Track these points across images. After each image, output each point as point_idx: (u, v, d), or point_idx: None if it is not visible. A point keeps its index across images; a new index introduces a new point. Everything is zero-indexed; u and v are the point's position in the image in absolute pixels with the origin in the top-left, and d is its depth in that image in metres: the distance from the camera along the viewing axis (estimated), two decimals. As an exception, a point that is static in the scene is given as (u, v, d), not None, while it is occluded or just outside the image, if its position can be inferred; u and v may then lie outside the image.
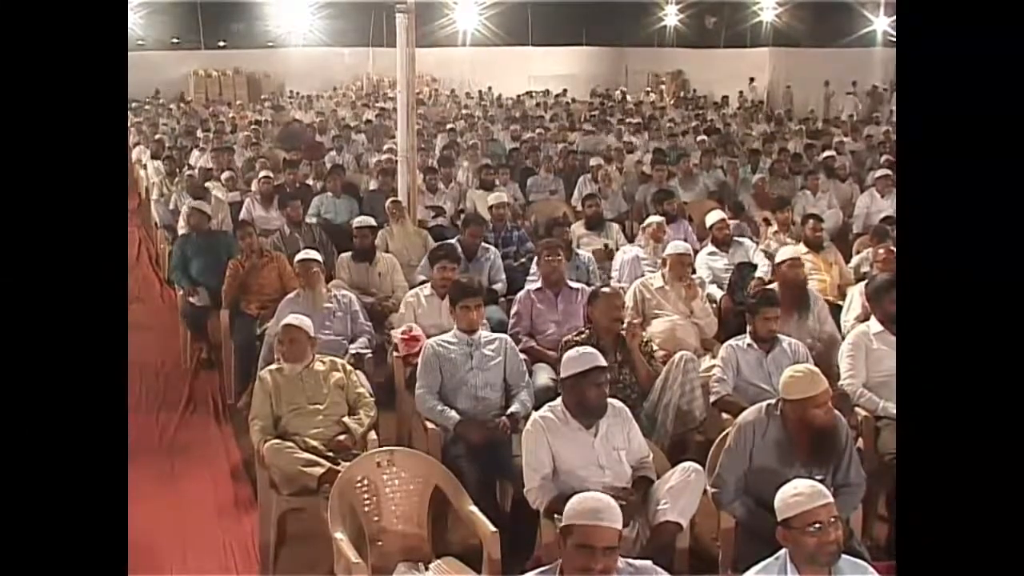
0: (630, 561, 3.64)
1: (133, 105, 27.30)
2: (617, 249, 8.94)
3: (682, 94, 33.19)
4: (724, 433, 5.13)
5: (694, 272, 7.82)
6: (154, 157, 15.29)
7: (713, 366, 6.10)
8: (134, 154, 17.84)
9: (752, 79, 31.70)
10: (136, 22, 33.02)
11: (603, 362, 4.85)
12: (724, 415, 5.73)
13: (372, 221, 8.69)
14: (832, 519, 3.57)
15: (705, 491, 4.77)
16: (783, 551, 3.61)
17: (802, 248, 8.29)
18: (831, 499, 3.63)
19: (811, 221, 8.66)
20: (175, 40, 35.85)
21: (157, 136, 18.05)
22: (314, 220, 10.29)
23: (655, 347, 6.23)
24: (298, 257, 7.27)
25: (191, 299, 8.54)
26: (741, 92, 30.63)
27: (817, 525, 3.55)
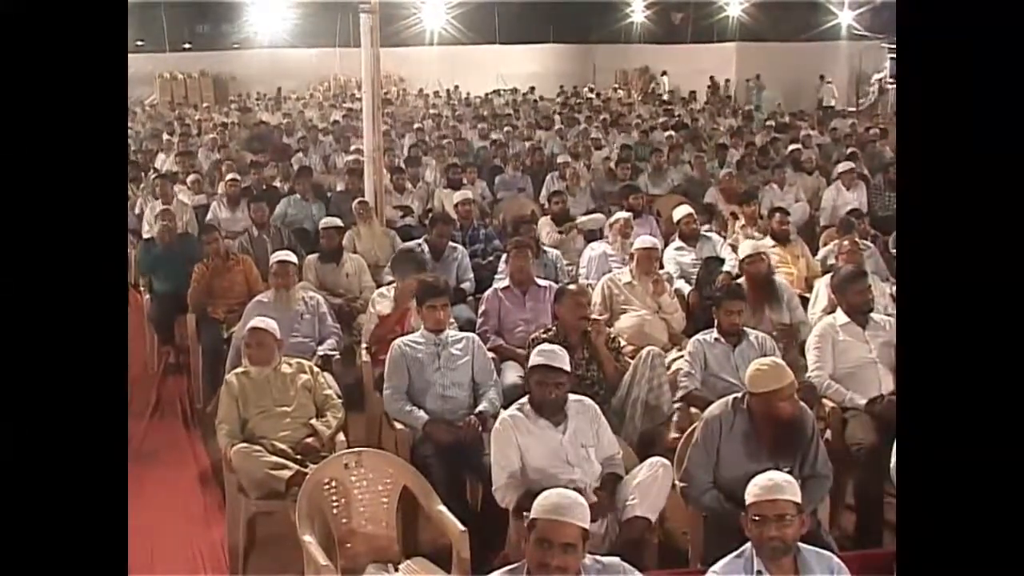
0: (598, 558, 3.64)
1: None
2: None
3: (651, 89, 33.23)
4: (692, 428, 5.14)
5: (662, 267, 7.83)
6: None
7: (680, 359, 6.11)
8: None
9: (712, 79, 31.82)
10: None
11: (565, 364, 4.86)
12: (692, 409, 5.75)
13: (338, 222, 8.67)
14: (778, 515, 3.59)
15: (674, 486, 4.78)
16: (748, 545, 3.64)
17: (768, 241, 8.34)
18: (785, 494, 3.65)
19: (777, 215, 8.71)
20: (139, 42, 35.58)
21: (122, 140, 17.90)
22: (281, 222, 10.23)
23: (623, 343, 6.24)
24: (275, 258, 7.23)
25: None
26: (708, 86, 30.73)
27: (757, 517, 3.60)
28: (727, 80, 31.16)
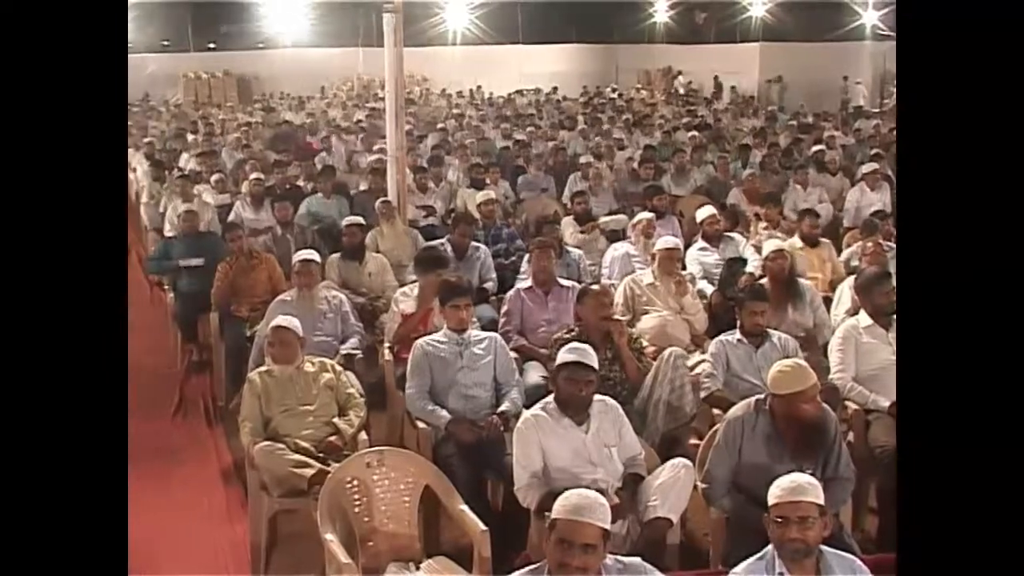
0: (619, 558, 3.63)
1: (123, 108, 27.23)
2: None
3: (674, 90, 33.17)
4: (714, 429, 5.13)
5: (684, 268, 7.82)
6: (146, 158, 15.30)
7: (703, 361, 6.10)
8: (124, 157, 17.84)
9: (716, 80, 31.79)
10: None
11: (594, 363, 4.85)
12: (714, 410, 5.73)
13: (360, 220, 8.69)
14: (800, 517, 3.57)
15: (695, 487, 4.77)
16: (770, 547, 3.63)
17: (797, 243, 8.32)
18: (808, 496, 3.63)
19: (807, 218, 8.65)
20: (165, 43, 35.79)
21: (147, 139, 17.98)
22: (306, 222, 10.27)
23: (645, 343, 6.23)
24: (298, 257, 7.24)
25: (181, 262, 8.75)
26: (733, 87, 30.67)
27: (779, 519, 3.59)
28: (732, 87, 31.07)
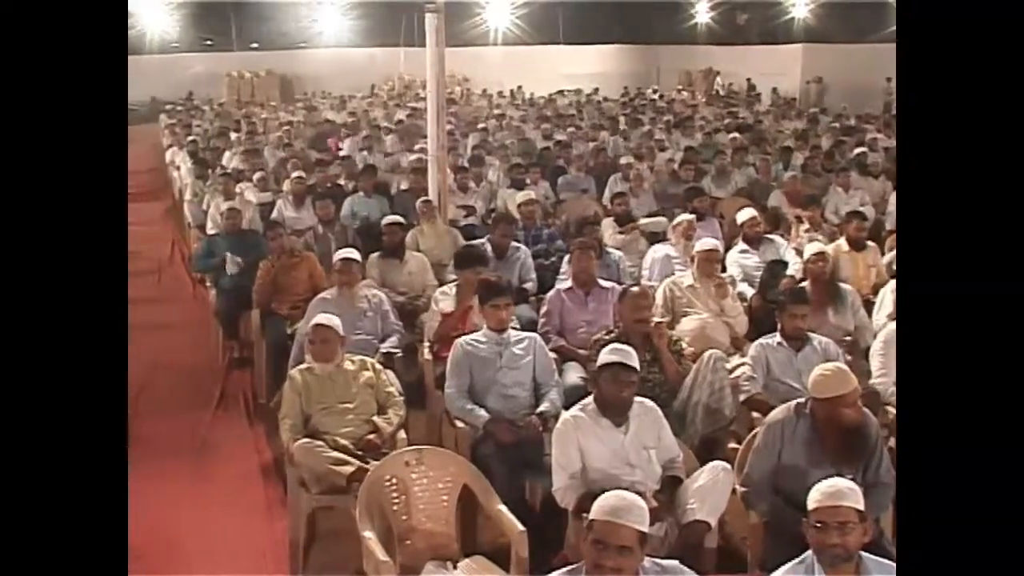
0: (657, 560, 3.63)
1: (167, 107, 27.61)
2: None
3: (714, 91, 33.06)
4: (753, 432, 5.11)
5: (724, 270, 7.79)
6: (190, 156, 15.46)
7: (743, 364, 6.07)
8: (167, 155, 18.05)
9: (748, 81, 31.64)
10: (170, 24, 33.37)
11: (634, 363, 4.85)
12: (754, 414, 5.71)
13: (400, 219, 8.72)
14: (840, 522, 3.55)
15: (734, 490, 4.76)
16: (810, 552, 3.61)
17: (843, 247, 8.25)
18: (848, 501, 3.60)
19: (854, 220, 8.53)
20: (208, 42, 36.14)
21: (191, 137, 18.17)
22: (350, 221, 10.33)
23: (684, 345, 6.21)
24: (339, 255, 7.26)
25: (229, 270, 8.82)
26: (774, 89, 30.51)
27: (819, 524, 3.56)
28: (773, 88, 30.90)
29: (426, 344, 6.85)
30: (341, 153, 15.80)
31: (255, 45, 36.50)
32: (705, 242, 7.44)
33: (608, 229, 9.32)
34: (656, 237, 9.27)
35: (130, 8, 32.11)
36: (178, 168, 15.92)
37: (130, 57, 33.10)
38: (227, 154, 15.89)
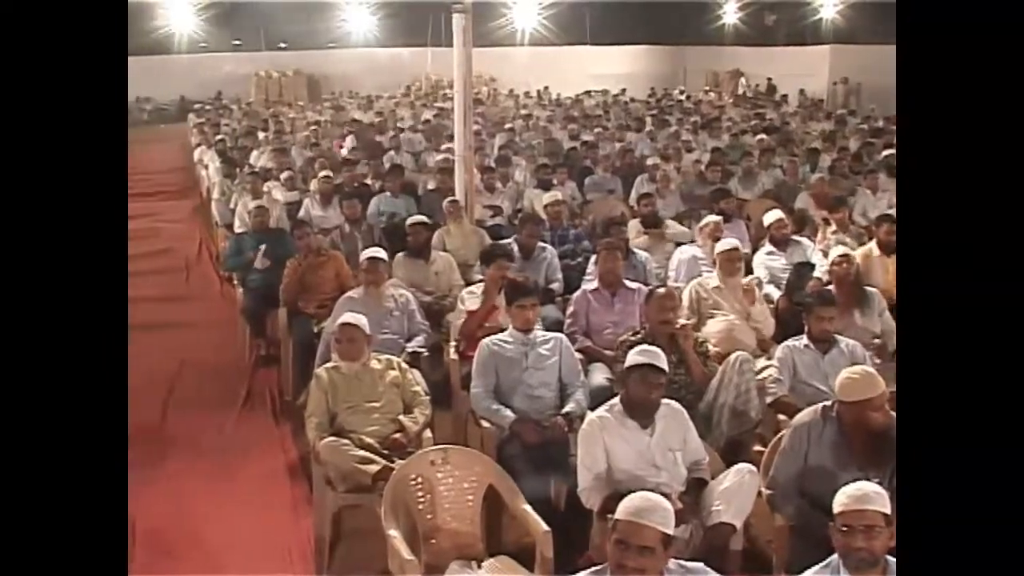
0: (682, 563, 3.63)
1: (196, 106, 27.77)
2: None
3: (740, 92, 32.95)
4: (779, 435, 5.09)
5: (750, 272, 7.76)
6: (218, 155, 15.55)
7: (769, 366, 6.06)
8: (196, 154, 18.17)
9: (769, 81, 31.49)
10: (199, 24, 33.56)
11: (663, 364, 4.85)
12: (780, 416, 5.69)
13: (424, 219, 8.74)
14: (866, 525, 3.53)
15: (760, 493, 4.74)
16: (835, 555, 3.59)
17: (874, 250, 8.20)
18: (875, 504, 3.58)
19: (885, 224, 8.43)
20: (237, 42, 36.31)
21: (219, 136, 18.29)
22: (377, 221, 10.36)
23: (711, 347, 6.20)
24: (365, 255, 7.28)
25: (257, 267, 8.84)
26: (802, 90, 30.38)
27: (845, 528, 3.55)
28: (801, 90, 30.74)
29: (452, 344, 6.86)
30: (343, 154, 15.81)
31: (283, 45, 36.66)
32: (726, 242, 7.41)
33: (635, 230, 9.31)
34: (682, 239, 9.26)
35: (160, 9, 32.40)
36: (206, 167, 16.02)
37: (159, 57, 33.53)
38: (255, 153, 15.97)
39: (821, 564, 3.62)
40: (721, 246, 7.34)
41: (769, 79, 32.62)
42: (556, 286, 8.11)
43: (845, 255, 7.16)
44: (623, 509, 3.49)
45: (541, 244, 8.39)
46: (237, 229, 10.77)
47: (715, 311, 7.07)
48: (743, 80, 34.25)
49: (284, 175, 12.79)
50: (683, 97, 30.05)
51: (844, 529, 3.56)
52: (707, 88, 34.67)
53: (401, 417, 5.59)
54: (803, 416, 4.82)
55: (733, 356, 5.84)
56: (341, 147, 16.97)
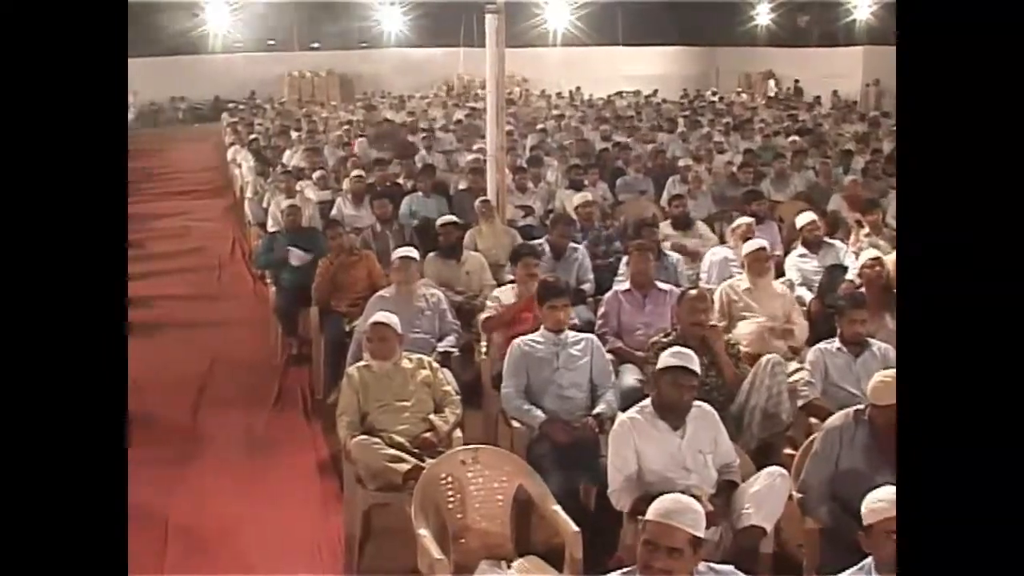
0: (712, 565, 3.62)
1: (230, 106, 27.97)
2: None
3: (773, 93, 32.82)
4: (811, 438, 5.07)
5: (781, 274, 7.73)
6: (252, 155, 15.64)
7: (801, 369, 6.03)
8: (229, 153, 18.28)
9: (808, 88, 31.36)
10: (233, 24, 33.78)
11: (695, 366, 4.84)
12: (811, 419, 5.66)
13: (455, 219, 8.76)
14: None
15: (791, 496, 4.72)
16: (869, 559, 3.57)
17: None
18: None
19: None
20: (270, 42, 36.51)
21: (252, 136, 18.39)
22: (408, 220, 10.39)
23: (742, 348, 6.18)
24: (397, 254, 7.31)
25: (293, 263, 8.90)
26: (835, 91, 30.22)
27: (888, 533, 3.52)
28: (834, 91, 30.55)
29: (483, 344, 6.87)
30: (355, 153, 15.85)
31: (316, 45, 36.84)
32: (753, 243, 7.38)
33: (666, 231, 9.29)
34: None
35: (195, 9, 32.64)
36: (239, 166, 16.11)
37: (193, 57, 33.78)
38: (288, 152, 16.05)
39: (855, 568, 3.60)
40: (748, 247, 7.32)
41: (796, 81, 32.45)
42: (587, 286, 8.11)
43: (876, 258, 7.13)
44: (653, 510, 3.49)
45: (572, 244, 8.39)
46: (270, 228, 10.82)
47: (746, 313, 7.05)
48: (771, 82, 34.09)
49: (317, 174, 12.85)
50: (715, 98, 29.99)
51: (883, 534, 3.51)
52: (739, 89, 34.54)
53: (432, 416, 5.60)
54: (835, 419, 4.79)
55: (765, 358, 5.82)
56: (354, 149, 16.92)
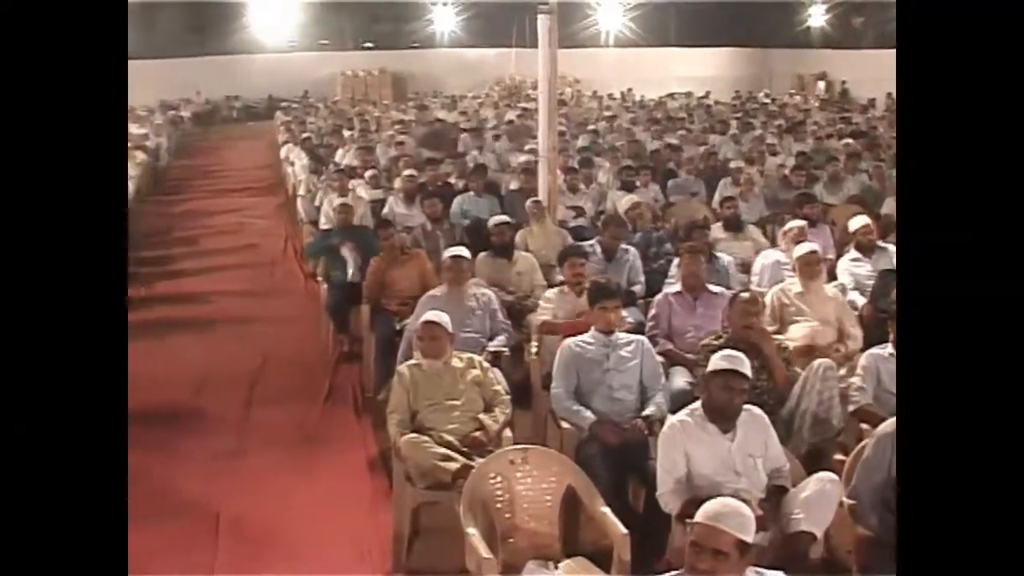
0: (760, 570, 3.61)
1: (283, 104, 28.23)
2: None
3: (829, 96, 32.55)
4: (862, 444, 5.03)
5: (833, 278, 7.67)
6: (305, 153, 15.76)
7: (853, 374, 5.98)
8: (283, 152, 18.44)
9: (851, 89, 31.01)
10: (288, 25, 34.10)
11: (746, 370, 4.82)
12: (863, 425, 5.61)
13: (508, 219, 8.78)
14: None
15: (841, 502, 4.69)
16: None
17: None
18: None
19: None
20: (324, 42, 36.78)
21: (305, 134, 18.54)
22: (459, 220, 10.44)
23: (792, 348, 6.14)
24: (448, 253, 7.34)
25: (345, 255, 9.01)
26: (889, 94, 29.87)
27: None
28: (888, 93, 30.20)
29: (533, 344, 6.88)
30: (391, 153, 15.86)
31: (369, 45, 37.06)
32: (804, 246, 7.31)
33: (718, 233, 9.26)
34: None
35: (248, 9, 32.97)
36: (292, 164, 16.25)
37: (248, 56, 34.15)
38: (340, 151, 16.17)
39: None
40: (799, 250, 7.27)
41: (843, 82, 32.11)
42: (638, 288, 8.10)
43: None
44: (702, 513, 3.48)
45: (624, 246, 8.37)
46: (322, 226, 10.92)
47: (798, 317, 7.00)
48: (821, 84, 33.79)
49: (369, 173, 12.94)
50: (768, 100, 29.76)
51: None
52: (792, 91, 34.28)
53: (481, 416, 5.62)
54: (887, 426, 4.74)
55: (816, 363, 5.77)
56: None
